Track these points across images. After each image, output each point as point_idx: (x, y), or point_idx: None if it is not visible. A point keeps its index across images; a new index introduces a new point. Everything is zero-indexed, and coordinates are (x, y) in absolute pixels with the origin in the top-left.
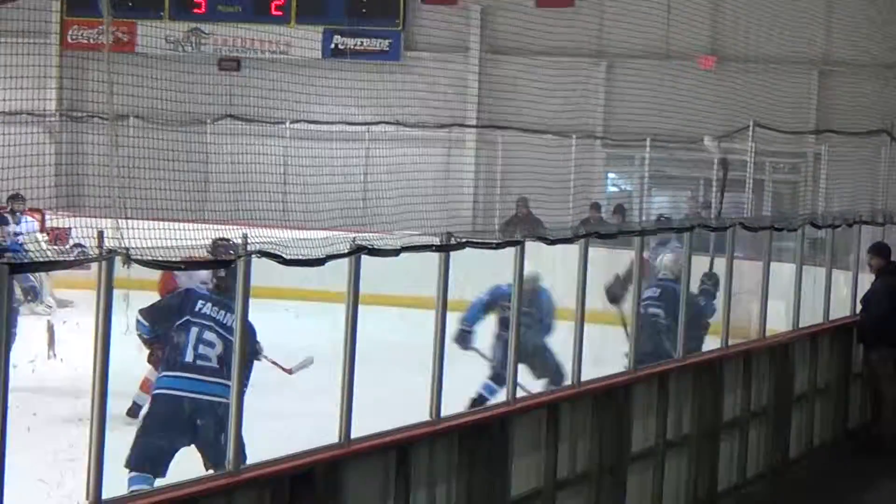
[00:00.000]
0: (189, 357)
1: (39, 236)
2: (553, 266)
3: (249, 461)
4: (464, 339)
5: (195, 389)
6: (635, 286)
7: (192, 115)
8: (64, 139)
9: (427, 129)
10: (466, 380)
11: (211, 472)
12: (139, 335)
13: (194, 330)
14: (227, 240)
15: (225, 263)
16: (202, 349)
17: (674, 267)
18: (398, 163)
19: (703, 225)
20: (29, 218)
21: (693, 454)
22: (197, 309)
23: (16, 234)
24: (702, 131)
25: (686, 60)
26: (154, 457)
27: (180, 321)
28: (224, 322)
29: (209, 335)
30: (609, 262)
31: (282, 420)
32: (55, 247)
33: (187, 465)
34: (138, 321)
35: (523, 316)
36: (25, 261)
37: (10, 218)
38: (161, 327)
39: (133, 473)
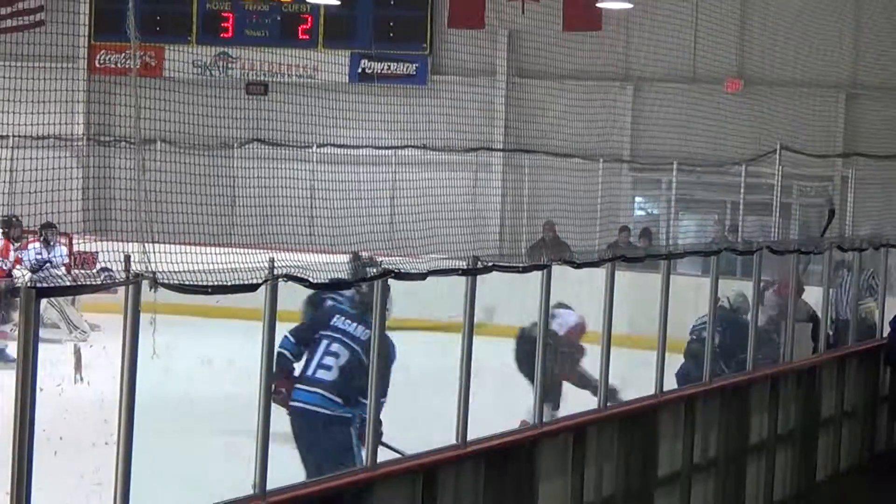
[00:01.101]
0: (311, 370)
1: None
2: (579, 290)
3: (276, 485)
4: None
5: (312, 402)
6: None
7: (220, 139)
8: (91, 163)
9: (454, 152)
10: (492, 403)
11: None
12: (279, 351)
13: (324, 343)
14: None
15: (251, 287)
16: (325, 360)
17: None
18: (425, 187)
19: (730, 249)
20: (64, 250)
21: (720, 477)
22: (332, 323)
23: (47, 263)
24: (729, 154)
25: (713, 84)
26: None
27: (316, 336)
28: (354, 334)
29: (335, 346)
30: (635, 285)
31: None
32: (82, 271)
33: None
34: (285, 336)
35: None
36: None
37: (42, 247)
38: (304, 343)
39: None
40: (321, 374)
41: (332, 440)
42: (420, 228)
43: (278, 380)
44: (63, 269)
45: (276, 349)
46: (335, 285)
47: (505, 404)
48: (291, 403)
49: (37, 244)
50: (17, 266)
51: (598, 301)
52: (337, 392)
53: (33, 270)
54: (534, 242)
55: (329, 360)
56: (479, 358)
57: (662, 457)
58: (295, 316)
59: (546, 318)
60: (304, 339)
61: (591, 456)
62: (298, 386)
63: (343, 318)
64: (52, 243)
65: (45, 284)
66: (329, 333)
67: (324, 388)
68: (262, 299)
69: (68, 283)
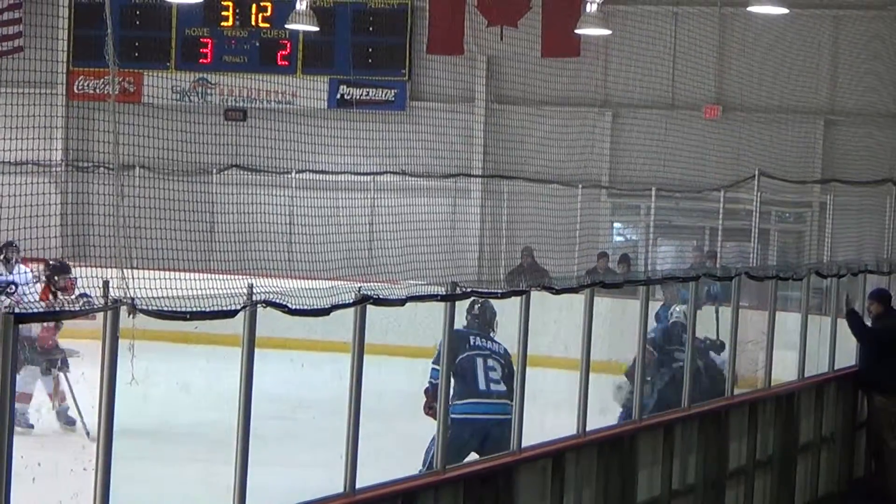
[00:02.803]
0: (483, 385)
1: (30, 287)
2: (558, 315)
3: None
4: None
5: (490, 412)
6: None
7: (198, 164)
8: (70, 189)
9: (432, 178)
10: None
11: None
12: (434, 383)
13: (479, 361)
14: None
15: (230, 313)
16: (491, 374)
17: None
18: (404, 213)
19: (709, 274)
20: (24, 268)
21: (699, 503)
22: (472, 343)
23: (11, 284)
24: (707, 181)
25: (691, 110)
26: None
27: (462, 356)
28: (493, 349)
29: (491, 362)
30: (614, 311)
31: (288, 470)
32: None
33: None
34: (434, 369)
35: None
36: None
37: (3, 267)
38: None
39: None
40: (494, 387)
41: (500, 446)
42: (399, 254)
43: (433, 398)
44: (32, 286)
45: (430, 382)
46: (315, 312)
47: None
48: (477, 416)
49: None
50: None
51: (576, 327)
52: (511, 399)
53: None
54: (512, 268)
55: (494, 375)
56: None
57: (641, 483)
58: (274, 342)
59: (525, 344)
60: (448, 363)
61: (569, 481)
62: (477, 401)
63: (477, 337)
64: (12, 262)
65: (22, 310)
66: (476, 353)
67: (504, 398)
68: (240, 325)
69: (48, 309)
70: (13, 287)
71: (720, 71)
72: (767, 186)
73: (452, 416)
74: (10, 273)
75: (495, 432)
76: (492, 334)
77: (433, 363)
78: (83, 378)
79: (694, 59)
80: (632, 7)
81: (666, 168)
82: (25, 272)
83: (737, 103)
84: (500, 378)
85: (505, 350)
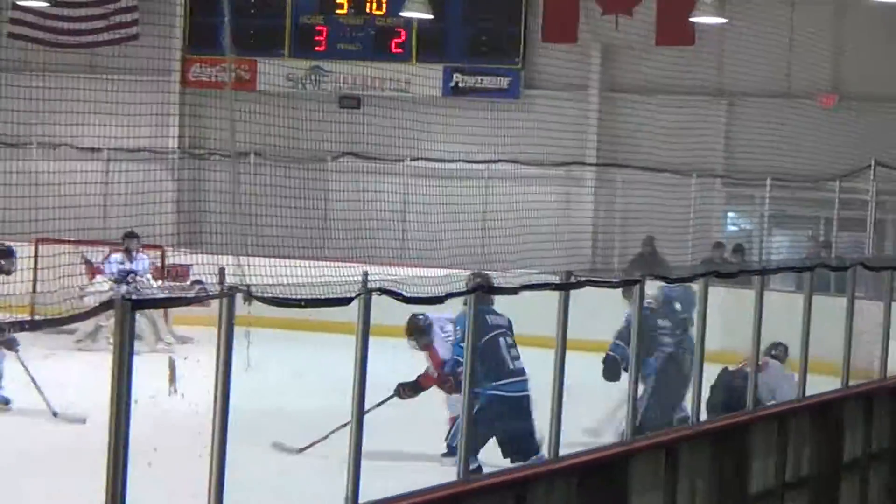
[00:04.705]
0: (511, 364)
1: (150, 276)
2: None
3: (368, 498)
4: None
5: (521, 389)
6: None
7: (313, 152)
8: (185, 176)
9: (546, 167)
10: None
11: None
12: (461, 360)
13: (501, 341)
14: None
15: (345, 301)
16: (512, 352)
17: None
18: (517, 201)
19: (824, 265)
20: (143, 255)
21: (812, 496)
22: (491, 323)
23: (132, 273)
24: (823, 170)
25: (807, 98)
26: (475, 447)
27: (484, 339)
28: (504, 324)
29: (509, 339)
30: (728, 301)
31: (397, 461)
32: (175, 283)
33: None
34: (461, 347)
35: None
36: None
37: (125, 257)
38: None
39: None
40: (518, 364)
41: (530, 423)
42: (512, 243)
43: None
44: (150, 276)
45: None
46: (429, 300)
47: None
48: (513, 394)
49: (119, 255)
50: (98, 278)
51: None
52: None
53: (117, 282)
54: (633, 257)
55: (514, 352)
56: (572, 374)
57: (755, 474)
58: (387, 330)
59: (639, 331)
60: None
61: (683, 472)
62: (511, 380)
63: (492, 315)
64: (133, 253)
65: (138, 296)
66: (496, 332)
67: (525, 376)
68: (355, 313)
69: (162, 295)
70: (133, 276)
71: (836, 58)
72: (884, 176)
73: (490, 391)
74: (132, 262)
75: (523, 412)
76: (492, 305)
77: (458, 345)
78: (198, 364)
79: (810, 46)
80: None
81: (781, 157)
82: (144, 259)
83: (853, 91)
84: (518, 355)
85: (509, 320)
